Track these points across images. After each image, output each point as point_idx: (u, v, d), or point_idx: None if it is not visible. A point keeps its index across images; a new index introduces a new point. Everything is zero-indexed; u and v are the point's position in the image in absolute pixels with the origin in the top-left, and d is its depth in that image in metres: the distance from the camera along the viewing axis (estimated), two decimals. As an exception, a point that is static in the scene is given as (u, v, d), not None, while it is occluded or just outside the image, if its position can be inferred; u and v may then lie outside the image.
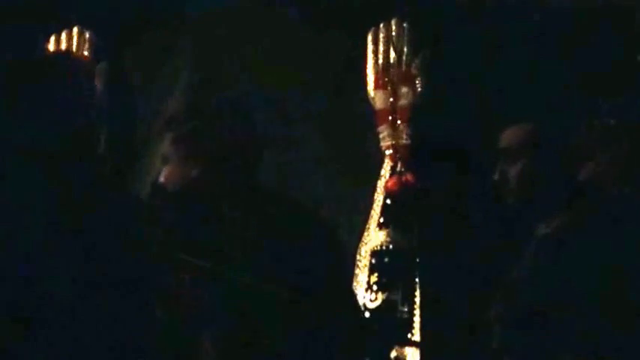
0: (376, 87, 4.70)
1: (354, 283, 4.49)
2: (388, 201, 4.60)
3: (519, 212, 2.99)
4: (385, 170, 4.66)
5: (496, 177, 2.97)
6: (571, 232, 2.83)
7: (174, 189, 2.74)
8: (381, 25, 4.72)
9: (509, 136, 3.00)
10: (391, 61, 4.69)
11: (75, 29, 5.25)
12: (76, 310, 2.30)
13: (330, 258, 2.72)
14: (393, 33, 4.70)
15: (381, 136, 4.67)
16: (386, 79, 4.68)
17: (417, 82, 4.63)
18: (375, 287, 4.48)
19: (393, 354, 4.32)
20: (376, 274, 4.51)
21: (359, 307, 3.06)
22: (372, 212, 4.65)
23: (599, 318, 2.71)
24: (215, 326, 2.57)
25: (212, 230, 2.70)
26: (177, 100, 5.12)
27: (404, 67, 4.66)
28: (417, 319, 4.43)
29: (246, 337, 2.56)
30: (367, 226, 4.64)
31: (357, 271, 4.53)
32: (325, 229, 2.83)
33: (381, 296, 4.45)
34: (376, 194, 4.66)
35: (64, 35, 5.25)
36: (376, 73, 4.71)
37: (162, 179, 2.78)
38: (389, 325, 4.40)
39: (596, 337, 2.71)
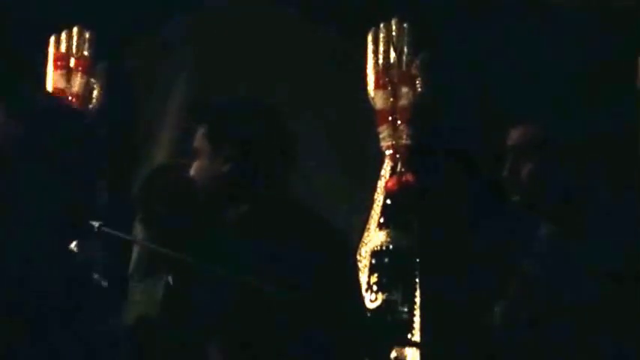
0: (376, 87, 4.70)
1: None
2: (388, 201, 4.60)
3: (523, 211, 2.98)
4: (385, 170, 4.66)
5: (505, 174, 2.95)
6: (572, 232, 2.83)
7: (203, 184, 2.74)
8: (381, 25, 4.72)
9: (521, 134, 2.98)
10: (391, 61, 4.69)
11: (75, 29, 5.26)
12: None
13: (334, 259, 2.72)
14: (393, 33, 4.70)
15: (381, 136, 4.67)
16: (386, 79, 4.68)
17: (417, 82, 4.64)
18: (375, 287, 4.47)
19: (393, 354, 4.32)
20: (376, 275, 4.51)
21: (363, 308, 3.05)
22: (372, 212, 4.65)
23: (603, 319, 2.71)
24: (223, 331, 2.56)
25: (214, 232, 2.70)
26: (177, 100, 5.12)
27: (404, 67, 4.67)
28: (417, 319, 4.43)
29: (253, 341, 2.55)
30: (367, 226, 4.64)
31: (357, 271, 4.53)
32: (330, 231, 2.82)
33: (381, 296, 4.45)
34: (376, 194, 4.66)
35: (64, 35, 5.26)
36: (376, 73, 4.71)
37: (192, 173, 2.77)
38: (389, 325, 4.40)
39: (600, 337, 2.71)
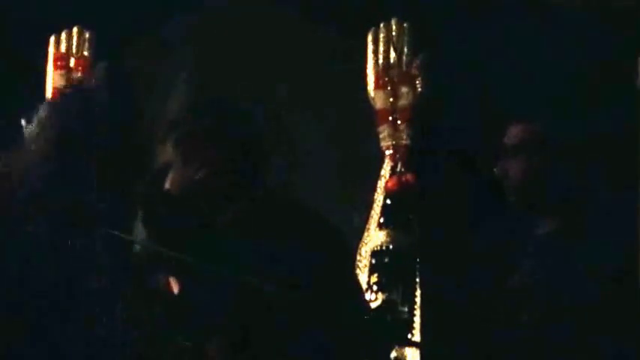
0: (376, 87, 4.70)
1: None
2: (388, 201, 4.60)
3: (520, 210, 2.98)
4: (385, 170, 4.66)
5: (497, 172, 2.95)
6: (572, 232, 2.83)
7: (177, 192, 2.73)
8: (381, 25, 4.72)
9: (515, 133, 2.98)
10: (391, 61, 4.69)
11: (75, 29, 5.26)
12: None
13: (334, 259, 2.72)
14: (393, 33, 4.70)
15: (381, 136, 4.67)
16: (386, 79, 4.68)
17: (417, 82, 4.63)
18: (375, 287, 4.47)
19: (393, 354, 4.32)
20: (376, 274, 4.51)
21: (364, 308, 3.05)
22: (372, 212, 4.65)
23: (603, 319, 2.71)
24: (223, 331, 2.56)
25: (214, 233, 2.69)
26: (177, 100, 5.12)
27: (404, 67, 4.66)
28: (417, 319, 4.43)
29: (253, 341, 2.55)
30: (367, 226, 4.64)
31: (357, 271, 4.53)
32: (330, 231, 2.82)
33: (381, 296, 4.45)
34: (376, 194, 4.66)
35: (64, 35, 5.26)
36: (376, 73, 4.71)
37: (167, 185, 2.76)
38: (389, 325, 4.40)
39: (600, 337, 2.71)
